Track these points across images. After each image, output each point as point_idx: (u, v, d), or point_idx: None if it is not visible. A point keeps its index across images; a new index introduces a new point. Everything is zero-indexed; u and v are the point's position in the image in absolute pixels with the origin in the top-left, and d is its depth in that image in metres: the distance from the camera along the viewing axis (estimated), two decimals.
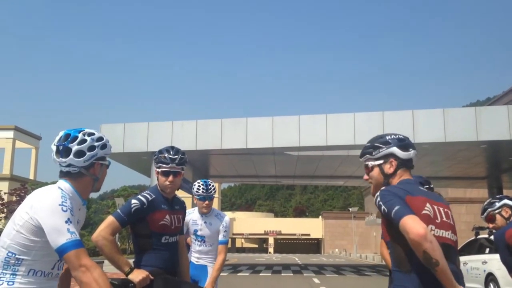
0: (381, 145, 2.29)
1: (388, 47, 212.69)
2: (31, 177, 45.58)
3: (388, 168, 2.26)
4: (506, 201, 3.74)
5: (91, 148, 2.14)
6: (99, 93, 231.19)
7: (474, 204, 35.52)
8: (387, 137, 2.31)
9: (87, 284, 1.87)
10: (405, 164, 2.26)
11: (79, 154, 2.11)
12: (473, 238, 11.45)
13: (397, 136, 2.31)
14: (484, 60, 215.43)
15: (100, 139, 2.19)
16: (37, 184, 35.16)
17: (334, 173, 27.50)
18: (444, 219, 2.11)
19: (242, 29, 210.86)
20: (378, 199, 2.10)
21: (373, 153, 2.31)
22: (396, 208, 2.00)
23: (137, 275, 2.87)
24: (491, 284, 10.39)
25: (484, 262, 10.69)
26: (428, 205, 2.08)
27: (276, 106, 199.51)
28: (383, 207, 2.06)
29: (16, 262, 1.94)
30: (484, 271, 10.66)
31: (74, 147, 2.11)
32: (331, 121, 18.73)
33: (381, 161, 2.28)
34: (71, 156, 2.10)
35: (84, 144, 2.12)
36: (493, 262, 10.16)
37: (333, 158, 22.82)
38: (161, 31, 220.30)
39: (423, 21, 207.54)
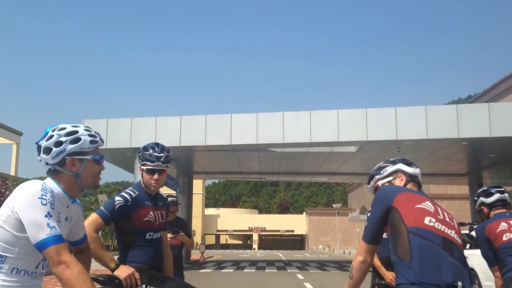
0: (388, 164, 2.45)
1: (370, 46, 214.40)
2: (12, 173, 44.82)
3: (399, 183, 2.36)
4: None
5: (57, 143, 2.03)
6: (83, 87, 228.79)
7: (455, 201, 36.06)
8: (391, 159, 2.49)
9: (68, 281, 1.81)
10: (413, 179, 2.36)
11: (47, 151, 2.04)
12: None
13: (400, 158, 2.50)
14: (465, 58, 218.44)
15: (70, 133, 2.05)
16: (18, 181, 34.59)
17: (318, 169, 27.66)
18: (448, 220, 2.14)
19: (230, 26, 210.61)
20: (374, 198, 2.25)
21: (381, 172, 2.44)
22: (368, 223, 2.21)
23: (123, 271, 2.88)
24: None
25: None
26: (428, 203, 2.14)
27: (260, 102, 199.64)
28: (370, 209, 2.24)
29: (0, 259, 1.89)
30: None
31: (43, 144, 2.05)
32: (315, 117, 18.81)
33: (390, 178, 2.42)
34: (41, 153, 2.05)
35: (50, 140, 2.03)
36: (473, 257, 10.27)
37: (317, 154, 22.95)
38: (151, 26, 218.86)
39: (406, 21, 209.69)
